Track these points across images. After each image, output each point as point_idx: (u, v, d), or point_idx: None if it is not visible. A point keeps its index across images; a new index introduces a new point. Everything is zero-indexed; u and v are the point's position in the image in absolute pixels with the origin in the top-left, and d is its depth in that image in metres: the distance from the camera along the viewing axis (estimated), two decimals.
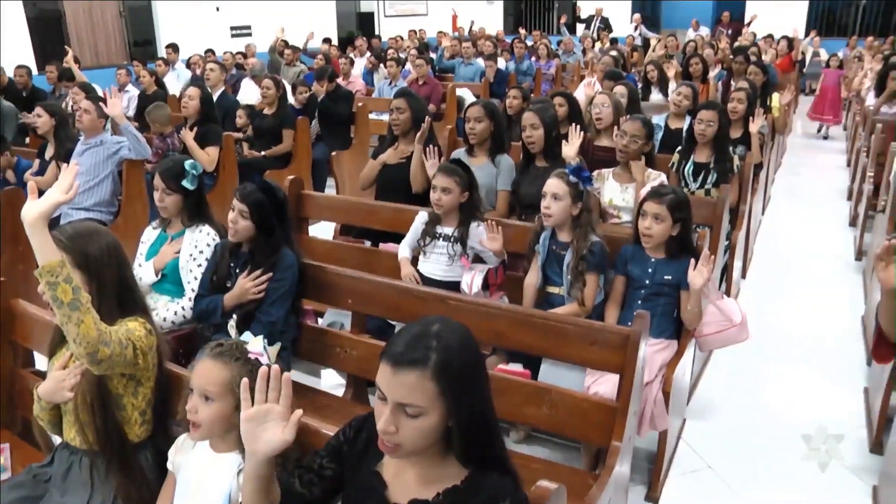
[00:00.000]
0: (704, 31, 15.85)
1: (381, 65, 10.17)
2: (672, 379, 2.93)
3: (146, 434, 2.19)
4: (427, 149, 4.11)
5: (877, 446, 3.35)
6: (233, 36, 14.19)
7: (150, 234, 3.38)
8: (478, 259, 3.42)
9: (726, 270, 4.56)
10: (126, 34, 13.03)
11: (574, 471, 2.81)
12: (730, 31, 16.09)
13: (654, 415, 2.90)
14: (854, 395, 3.85)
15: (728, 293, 4.51)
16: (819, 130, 10.96)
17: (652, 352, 2.95)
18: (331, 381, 3.66)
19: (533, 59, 11.28)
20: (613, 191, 4.04)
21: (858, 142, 7.39)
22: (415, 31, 15.53)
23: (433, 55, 11.90)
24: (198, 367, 1.90)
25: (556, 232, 3.24)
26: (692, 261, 2.98)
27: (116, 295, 2.12)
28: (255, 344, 1.91)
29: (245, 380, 1.61)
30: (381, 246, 4.02)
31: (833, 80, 10.49)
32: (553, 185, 3.16)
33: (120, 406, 2.12)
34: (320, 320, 3.59)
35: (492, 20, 19.13)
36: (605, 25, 16.22)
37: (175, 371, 2.28)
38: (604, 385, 2.79)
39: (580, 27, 17.63)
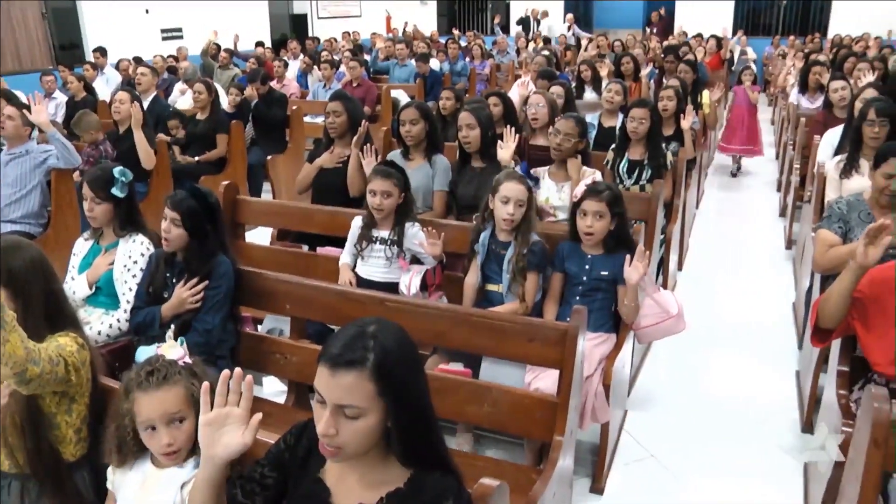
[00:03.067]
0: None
1: (315, 67, 10.09)
2: (612, 372, 2.99)
3: (82, 453, 2.12)
4: (364, 147, 4.10)
5: (808, 426, 3.50)
6: (164, 39, 13.87)
7: (83, 245, 3.28)
8: (416, 260, 3.43)
9: (662, 263, 4.66)
10: (50, 37, 12.58)
11: (518, 467, 2.83)
12: (655, 31, 16.46)
13: (596, 408, 2.95)
14: (786, 378, 3.99)
15: (665, 286, 4.61)
16: (738, 169, 8.59)
17: (591, 346, 3.00)
18: (272, 389, 3.62)
19: (467, 59, 11.33)
20: (550, 190, 4.09)
21: (785, 135, 7.65)
22: (349, 33, 15.44)
23: (367, 57, 11.86)
24: (148, 401, 1.82)
25: (494, 231, 3.27)
26: (627, 257, 3.04)
27: (44, 310, 2.05)
28: (172, 350, 1.88)
29: (206, 384, 1.59)
30: (319, 250, 3.99)
31: (746, 101, 8.08)
32: (517, 191, 3.15)
33: (53, 425, 2.05)
34: (259, 327, 3.54)
35: (425, 21, 19.15)
36: (526, 26, 16.41)
37: (111, 385, 2.22)
38: (544, 381, 2.83)
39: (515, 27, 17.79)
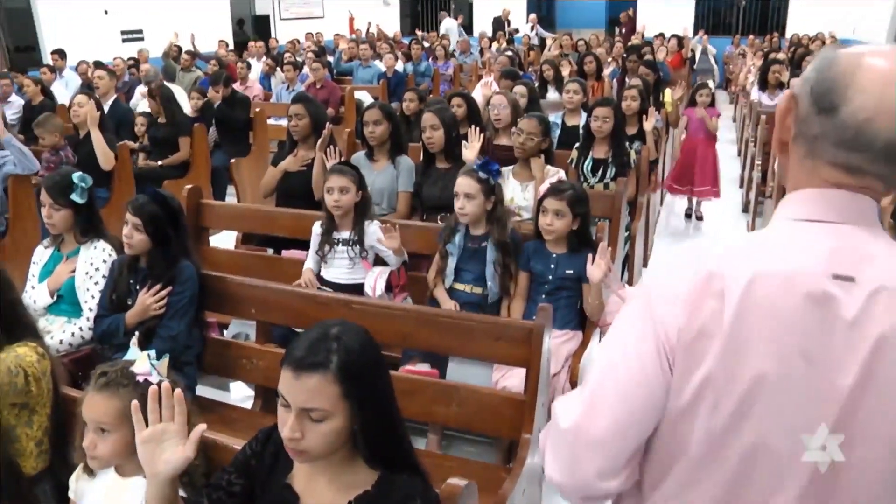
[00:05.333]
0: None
1: (279, 69, 10.02)
2: (578, 369, 3.01)
3: (43, 465, 2.08)
4: (328, 150, 4.08)
5: None
6: (124, 41, 13.63)
7: (43, 253, 3.23)
8: (380, 261, 3.42)
9: (628, 260, 4.70)
10: (4, 39, 12.30)
11: (487, 466, 2.84)
12: (624, 30, 16.64)
13: None
14: None
15: (630, 282, 4.65)
16: (690, 213, 6.97)
17: (557, 343, 3.02)
18: (240, 394, 3.59)
19: (430, 59, 11.34)
20: (514, 190, 4.11)
21: (747, 132, 7.77)
22: (311, 34, 15.35)
23: (330, 58, 11.81)
24: (87, 402, 1.80)
25: (468, 227, 3.28)
26: (590, 255, 3.06)
27: (1, 320, 2.01)
28: (140, 363, 1.82)
29: (135, 402, 1.56)
30: (284, 253, 3.97)
31: (703, 130, 6.43)
32: (464, 184, 3.19)
33: (12, 438, 2.01)
34: (225, 332, 3.51)
35: (388, 22, 19.10)
36: (500, 26, 16.50)
37: (73, 395, 2.17)
38: (511, 379, 2.84)
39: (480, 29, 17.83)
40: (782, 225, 1.15)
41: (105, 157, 5.34)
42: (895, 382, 1.04)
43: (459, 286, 3.27)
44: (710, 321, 1.08)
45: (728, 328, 1.08)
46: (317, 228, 3.48)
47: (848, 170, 1.09)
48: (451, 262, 3.27)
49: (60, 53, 10.12)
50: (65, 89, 9.31)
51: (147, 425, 1.55)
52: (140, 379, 1.79)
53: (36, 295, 3.08)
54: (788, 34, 16.33)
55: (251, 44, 12.75)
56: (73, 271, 3.08)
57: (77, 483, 1.94)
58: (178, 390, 1.57)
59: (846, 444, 1.09)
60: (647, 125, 5.37)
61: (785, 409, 1.08)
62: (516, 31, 16.24)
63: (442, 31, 16.26)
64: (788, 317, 1.07)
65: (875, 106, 1.04)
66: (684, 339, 1.10)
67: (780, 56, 9.67)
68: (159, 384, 1.57)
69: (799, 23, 16.49)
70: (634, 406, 1.14)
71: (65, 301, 3.09)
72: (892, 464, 1.07)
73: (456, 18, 18.17)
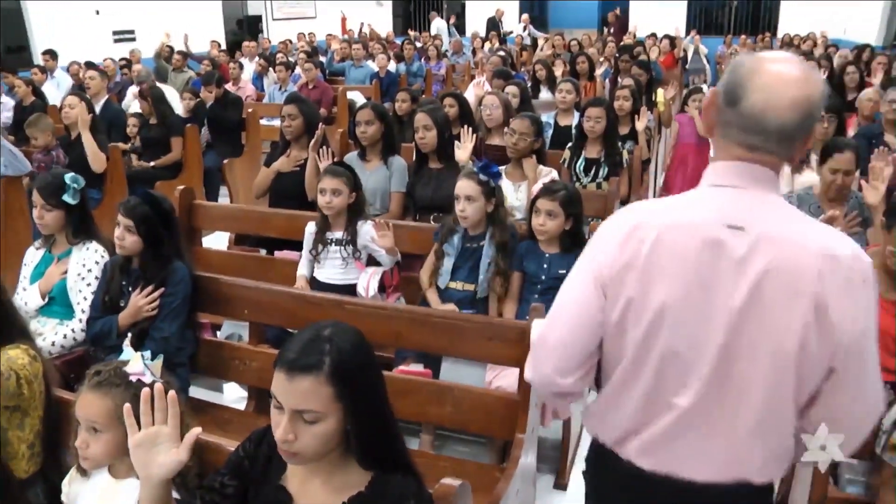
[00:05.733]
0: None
1: (271, 69, 10.00)
2: None
3: (35, 468, 2.07)
4: (321, 150, 4.08)
5: None
6: (116, 41, 13.58)
7: (34, 255, 3.21)
8: (373, 262, 3.42)
9: None
10: None
11: (481, 466, 2.85)
12: (612, 30, 16.66)
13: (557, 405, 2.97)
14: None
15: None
16: None
17: None
18: (234, 395, 3.58)
19: (423, 60, 11.34)
20: (507, 190, 4.10)
21: None
22: (304, 34, 15.33)
23: (323, 58, 11.79)
24: (80, 401, 1.79)
25: (466, 230, 3.28)
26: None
27: None
28: (134, 363, 1.81)
29: (127, 405, 1.55)
30: (277, 254, 3.97)
31: (694, 135, 6.00)
32: (465, 186, 3.18)
33: (4, 441, 2.00)
34: (218, 333, 3.51)
35: (381, 22, 19.09)
36: (495, 27, 16.49)
37: (65, 398, 2.17)
38: (505, 379, 2.85)
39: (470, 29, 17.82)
40: (700, 189, 1.51)
41: (96, 159, 5.31)
42: (772, 306, 1.37)
43: (453, 284, 3.27)
44: (632, 258, 1.46)
45: (644, 263, 1.44)
46: (310, 228, 3.48)
47: (749, 147, 1.42)
48: (448, 263, 3.27)
49: (52, 54, 10.08)
50: (56, 90, 9.26)
51: (140, 428, 1.54)
52: (133, 379, 1.79)
53: (27, 297, 3.06)
54: (780, 34, 16.38)
55: (245, 44, 12.72)
56: (65, 273, 3.06)
57: (70, 485, 1.93)
58: (171, 392, 1.56)
59: (734, 354, 1.41)
60: (640, 125, 5.38)
61: (687, 324, 1.43)
62: (510, 32, 16.25)
63: (433, 31, 16.26)
64: (689, 256, 1.42)
65: (766, 100, 1.37)
66: (614, 271, 1.48)
67: None
68: (152, 385, 1.57)
69: (790, 23, 16.56)
70: (577, 322, 1.53)
71: (56, 303, 3.08)
72: (771, 371, 1.40)
73: (448, 19, 18.18)
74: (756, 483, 1.50)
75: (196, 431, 1.57)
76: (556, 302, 1.58)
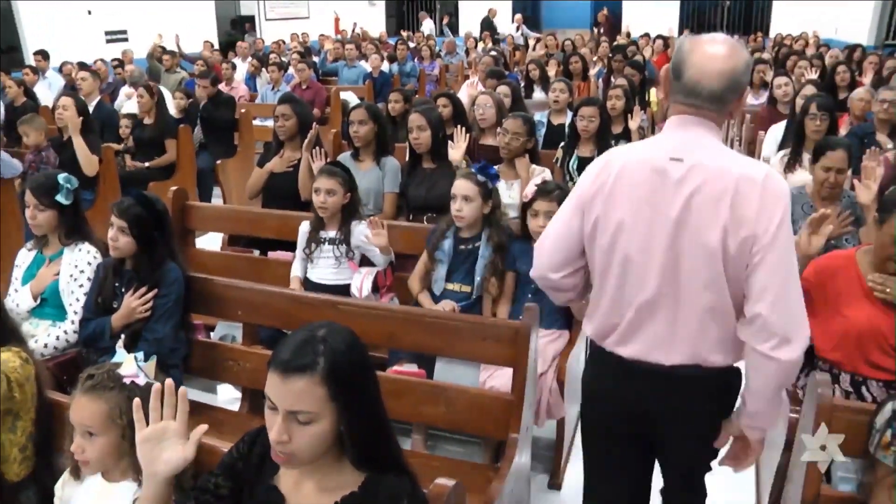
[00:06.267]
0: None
1: (264, 69, 9.98)
2: (566, 367, 3.02)
3: (27, 471, 2.05)
4: (314, 151, 4.08)
5: None
6: (108, 41, 13.54)
7: (26, 256, 3.19)
8: (366, 262, 3.42)
9: None
10: None
11: (475, 466, 2.85)
12: (603, 30, 16.68)
13: (551, 404, 2.98)
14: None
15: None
16: None
17: (544, 343, 3.03)
18: (228, 396, 3.57)
19: (416, 60, 11.33)
20: (500, 188, 4.11)
21: (731, 132, 7.81)
22: (297, 35, 15.31)
23: (316, 59, 11.78)
24: (73, 405, 1.79)
25: (457, 231, 3.28)
26: None
27: None
28: (127, 365, 1.81)
29: (137, 400, 1.55)
30: (270, 254, 3.96)
31: None
32: (462, 186, 3.19)
33: None
34: (212, 334, 3.50)
35: (374, 22, 19.08)
36: (489, 27, 16.50)
37: (58, 400, 2.16)
38: (498, 379, 2.85)
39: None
40: (657, 135, 1.98)
41: (88, 163, 5.27)
42: (698, 213, 1.77)
43: (449, 286, 3.27)
44: (601, 186, 1.90)
45: (609, 189, 1.88)
46: (304, 227, 3.48)
47: (691, 106, 1.84)
48: (442, 269, 3.26)
49: (43, 54, 10.04)
50: (48, 90, 9.24)
51: (147, 424, 1.54)
52: (127, 381, 1.79)
53: (19, 298, 3.05)
54: (772, 34, 16.45)
55: (239, 44, 12.69)
56: (57, 274, 3.05)
57: (63, 489, 1.92)
58: (182, 389, 1.56)
59: (676, 254, 1.81)
60: (633, 124, 5.39)
61: (639, 234, 1.84)
62: (503, 38, 16.25)
63: (424, 31, 16.26)
64: (641, 182, 1.85)
65: (700, 74, 1.79)
66: (588, 196, 1.93)
67: (765, 56, 9.73)
68: (147, 386, 1.56)
69: (782, 23, 16.62)
70: (563, 232, 2.00)
71: (48, 304, 3.07)
72: (705, 265, 1.78)
73: (442, 19, 18.17)
74: (712, 364, 1.88)
75: (202, 428, 1.57)
76: (550, 221, 2.09)
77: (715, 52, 1.80)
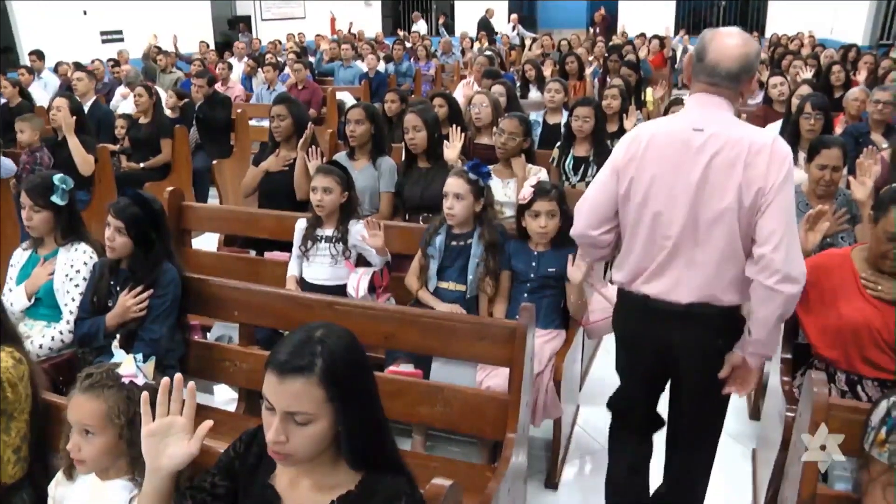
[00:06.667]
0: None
1: (260, 69, 9.97)
2: (562, 367, 3.02)
3: (21, 473, 2.04)
4: (310, 150, 4.08)
5: (755, 412, 3.60)
6: (104, 41, 13.52)
7: (21, 256, 3.18)
8: (362, 262, 3.42)
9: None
10: None
11: (472, 466, 2.85)
12: (598, 30, 16.70)
13: (547, 404, 2.98)
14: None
15: (613, 280, 4.67)
16: None
17: (541, 342, 3.03)
18: (224, 397, 3.58)
19: (412, 60, 11.33)
20: (495, 187, 4.10)
21: None
22: (293, 35, 15.30)
23: (312, 59, 11.77)
24: (71, 403, 1.78)
25: (449, 228, 3.28)
26: (570, 256, 3.07)
27: None
28: (126, 365, 1.80)
29: (145, 393, 1.55)
30: (267, 255, 3.95)
31: None
32: (454, 184, 3.19)
33: None
34: (208, 335, 3.49)
35: (370, 22, 19.08)
36: (487, 27, 16.50)
37: (53, 401, 2.15)
38: (495, 379, 2.85)
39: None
40: (681, 110, 2.36)
41: (84, 163, 5.26)
42: (716, 176, 2.13)
43: (443, 284, 3.27)
44: (634, 154, 2.26)
45: (640, 156, 2.24)
46: (301, 223, 3.48)
47: (711, 84, 2.20)
48: (433, 266, 3.27)
49: (38, 54, 10.00)
50: (43, 91, 9.20)
51: (154, 418, 1.54)
52: (126, 381, 1.78)
53: (13, 298, 3.04)
54: (768, 34, 16.48)
55: (236, 44, 12.68)
56: (52, 274, 3.04)
57: (56, 489, 1.91)
58: (190, 383, 1.56)
59: (697, 210, 2.17)
60: (628, 124, 5.40)
61: (666, 193, 2.20)
62: (497, 34, 16.26)
63: (420, 32, 16.23)
64: (667, 150, 2.21)
65: (718, 57, 2.16)
66: (622, 162, 2.29)
67: (762, 55, 9.74)
68: (146, 386, 1.56)
69: (778, 22, 16.67)
70: (600, 194, 2.36)
71: (43, 304, 3.05)
72: (721, 219, 2.14)
73: (437, 19, 18.17)
74: (723, 303, 2.24)
75: (208, 424, 1.57)
76: (589, 186, 2.46)
77: (732, 40, 2.17)
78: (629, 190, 2.26)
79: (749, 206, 2.10)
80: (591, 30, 17.48)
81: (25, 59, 10.70)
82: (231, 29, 17.45)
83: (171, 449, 1.54)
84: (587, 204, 2.40)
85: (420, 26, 17.18)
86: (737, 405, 3.71)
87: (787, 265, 2.07)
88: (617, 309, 2.55)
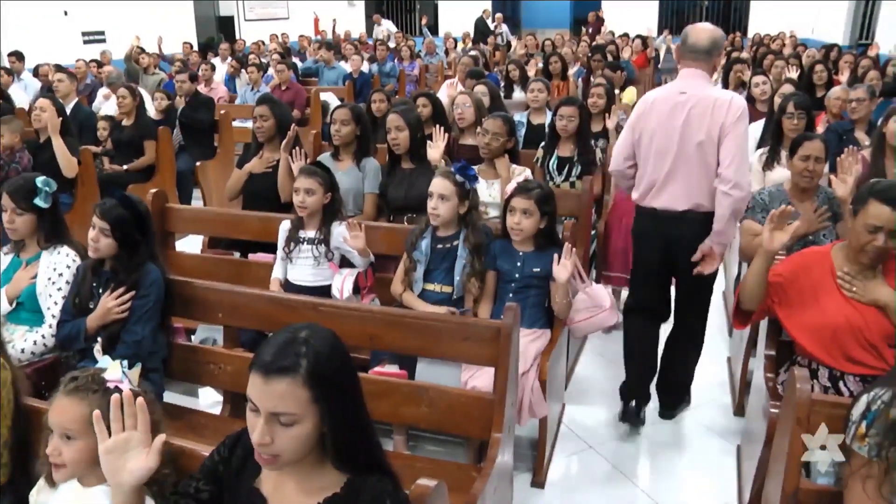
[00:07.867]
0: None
1: (243, 70, 9.93)
2: (547, 367, 3.03)
3: (3, 479, 2.01)
4: (294, 151, 4.07)
5: (739, 409, 3.64)
6: (85, 42, 13.41)
7: (2, 260, 3.15)
8: (346, 263, 3.42)
9: (595, 258, 4.74)
10: None
11: (458, 466, 2.86)
12: (591, 30, 16.74)
13: (533, 403, 2.98)
14: (718, 364, 4.13)
15: (598, 280, 4.69)
16: None
17: (526, 342, 3.03)
18: (209, 400, 3.57)
19: (396, 60, 11.32)
20: (479, 187, 4.11)
21: None
22: (276, 35, 15.25)
23: (297, 59, 11.73)
24: (54, 406, 1.76)
25: (434, 231, 3.28)
26: (556, 255, 3.08)
27: None
28: (112, 370, 1.77)
29: (97, 411, 1.53)
30: (251, 256, 3.94)
31: None
32: (439, 185, 3.19)
33: None
34: (192, 337, 3.48)
35: (353, 22, 19.05)
36: (484, 27, 16.50)
37: (36, 406, 2.12)
38: (480, 379, 2.85)
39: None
40: (674, 80, 3.37)
41: (68, 165, 5.22)
42: (693, 121, 3.14)
43: (429, 286, 3.26)
44: (643, 112, 3.31)
45: (646, 113, 3.29)
46: (285, 225, 3.47)
47: (693, 60, 3.21)
48: (420, 269, 3.26)
49: (18, 56, 9.89)
50: (23, 93, 9.11)
51: (110, 434, 1.53)
52: (111, 386, 1.75)
53: None
54: (750, 33, 16.60)
55: (222, 46, 12.61)
56: (34, 277, 3.01)
57: (38, 495, 1.88)
58: (140, 398, 1.54)
59: (683, 145, 3.18)
60: (610, 123, 5.41)
61: (663, 134, 3.22)
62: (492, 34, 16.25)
63: (379, 34, 16.05)
64: (663, 108, 3.22)
65: (695, 39, 3.20)
66: (636, 119, 3.34)
67: (744, 55, 9.81)
68: (121, 392, 1.55)
69: (760, 22, 16.80)
70: (625, 142, 3.41)
71: (24, 309, 3.03)
72: (699, 149, 3.16)
73: (421, 19, 18.14)
74: (705, 208, 3.20)
75: (162, 438, 1.55)
76: (618, 138, 3.51)
77: (703, 28, 3.25)
78: (641, 136, 3.29)
79: (716, 138, 3.10)
80: (584, 29, 17.50)
81: (4, 61, 10.59)
82: (220, 31, 17.35)
83: (131, 464, 1.53)
84: (616, 149, 3.47)
85: (386, 25, 17.09)
86: (723, 402, 3.75)
87: (736, 176, 3.07)
88: (636, 218, 3.47)
